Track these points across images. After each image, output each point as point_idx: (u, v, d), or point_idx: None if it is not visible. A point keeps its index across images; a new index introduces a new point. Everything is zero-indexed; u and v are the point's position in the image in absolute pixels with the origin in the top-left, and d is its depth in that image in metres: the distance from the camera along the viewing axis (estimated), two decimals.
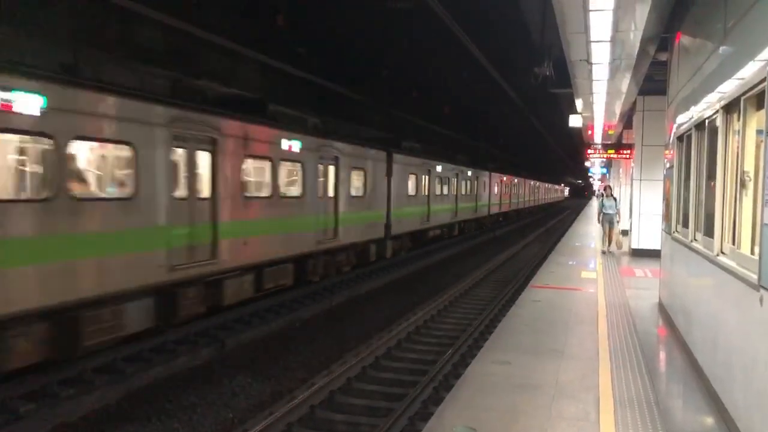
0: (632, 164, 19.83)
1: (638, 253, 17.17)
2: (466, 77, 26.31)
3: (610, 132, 23.35)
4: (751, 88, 4.74)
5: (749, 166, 4.97)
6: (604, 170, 43.75)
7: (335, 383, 8.39)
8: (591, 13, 8.00)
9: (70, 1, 11.60)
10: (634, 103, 17.12)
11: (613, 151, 22.73)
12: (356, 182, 16.93)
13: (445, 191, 26.15)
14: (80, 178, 8.50)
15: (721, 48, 6.09)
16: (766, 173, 4.17)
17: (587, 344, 7.85)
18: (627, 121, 21.08)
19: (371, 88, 23.71)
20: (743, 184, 5.09)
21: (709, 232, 6.36)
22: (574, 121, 20.38)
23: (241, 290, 11.70)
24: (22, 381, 7.68)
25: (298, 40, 18.64)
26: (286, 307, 13.02)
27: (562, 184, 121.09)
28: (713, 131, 6.29)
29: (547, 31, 14.37)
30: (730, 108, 5.59)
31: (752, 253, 4.78)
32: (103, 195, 8.85)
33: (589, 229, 30.28)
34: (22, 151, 7.79)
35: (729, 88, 5.50)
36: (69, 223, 7.98)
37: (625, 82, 12.99)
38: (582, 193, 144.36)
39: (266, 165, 12.53)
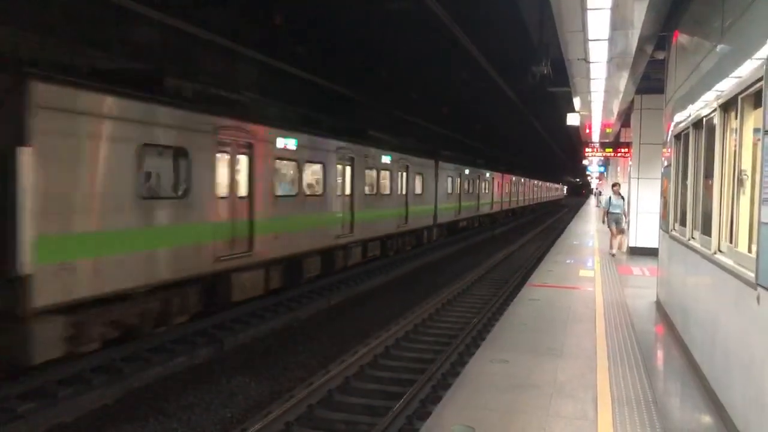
0: (630, 163, 19.84)
1: (636, 252, 17.19)
2: (464, 77, 26.29)
3: (607, 130, 23.33)
4: (749, 87, 4.75)
5: (746, 164, 4.98)
6: (602, 169, 43.79)
7: (334, 382, 8.39)
8: (588, 12, 7.99)
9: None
10: (632, 101, 17.11)
11: (610, 150, 22.73)
12: (418, 184, 22.98)
13: (471, 190, 32.23)
14: (306, 184, 14.52)
15: (718, 46, 6.09)
16: (764, 172, 4.18)
17: (585, 343, 7.86)
18: (625, 119, 21.09)
19: (370, 87, 23.70)
20: (741, 183, 5.10)
21: (706, 230, 6.37)
22: (572, 119, 20.38)
23: (356, 256, 17.65)
24: (20, 380, 7.67)
25: (296, 39, 18.65)
26: (285, 307, 13.02)
27: (562, 184, 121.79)
28: (711, 130, 6.30)
29: (544, 30, 14.37)
30: (728, 106, 5.59)
31: (749, 251, 4.79)
32: (313, 193, 14.85)
33: (587, 227, 30.31)
34: (289, 169, 13.81)
35: (726, 86, 5.50)
36: (303, 209, 14.27)
37: (622, 81, 12.99)
38: (580, 192, 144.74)
39: (375, 173, 18.75)
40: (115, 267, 8.75)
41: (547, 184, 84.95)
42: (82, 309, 8.34)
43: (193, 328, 10.63)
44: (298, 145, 13.75)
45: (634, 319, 9.35)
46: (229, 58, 15.71)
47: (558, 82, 15.31)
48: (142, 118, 9.24)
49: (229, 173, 11.39)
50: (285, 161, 13.48)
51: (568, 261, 16.15)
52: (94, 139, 8.48)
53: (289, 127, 13.86)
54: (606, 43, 9.60)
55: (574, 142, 41.97)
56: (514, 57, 22.00)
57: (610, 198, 17.71)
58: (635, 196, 17.41)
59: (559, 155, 71.03)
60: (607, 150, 23.11)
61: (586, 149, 25.22)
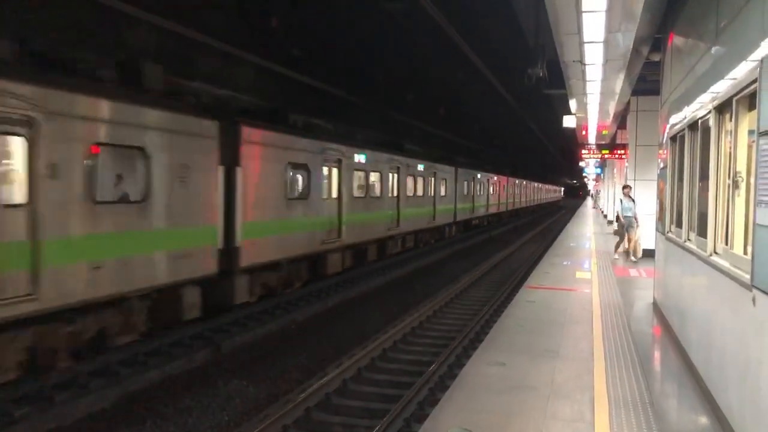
0: (626, 164, 19.87)
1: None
2: (461, 79, 26.33)
3: (604, 132, 23.38)
4: (743, 89, 4.76)
5: (741, 166, 4.99)
6: (599, 170, 43.82)
7: (331, 385, 8.38)
8: (584, 15, 8.00)
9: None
10: (628, 103, 17.15)
11: (607, 152, 22.77)
12: (442, 187, 27.13)
13: (482, 193, 36.28)
14: (370, 187, 18.62)
15: (713, 48, 6.11)
16: (759, 174, 4.19)
17: (582, 345, 7.87)
18: (621, 121, 21.14)
19: (366, 89, 23.72)
20: (736, 185, 5.11)
21: (702, 232, 6.38)
22: (568, 121, 20.41)
23: (398, 246, 22.08)
24: (17, 385, 7.65)
25: (292, 41, 18.65)
26: (282, 309, 13.01)
27: (560, 186, 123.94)
28: (706, 131, 6.32)
29: (540, 33, 14.40)
30: (723, 108, 5.61)
31: (745, 253, 4.80)
32: (374, 195, 18.94)
33: (584, 230, 30.36)
34: (361, 177, 17.96)
35: (721, 88, 5.52)
36: (369, 208, 18.48)
37: (618, 83, 13.01)
38: (577, 193, 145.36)
39: (412, 179, 22.75)
40: (272, 245, 12.95)
41: (547, 186, 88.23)
42: (251, 272, 12.36)
43: (190, 331, 10.62)
44: (366, 159, 18.13)
45: (631, 320, 9.36)
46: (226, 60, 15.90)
47: (554, 85, 15.33)
48: (288, 146, 13.61)
49: (328, 181, 15.79)
50: (359, 171, 17.81)
51: (565, 263, 16.17)
52: (267, 161, 12.76)
53: (359, 144, 18.34)
54: (601, 46, 9.61)
55: (571, 144, 42.05)
56: (511, 59, 22.06)
57: (621, 201, 16.95)
58: None
59: (556, 158, 71.19)
60: (603, 152, 23.14)
61: (583, 151, 25.24)
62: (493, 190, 40.15)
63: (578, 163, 51.41)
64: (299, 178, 14.31)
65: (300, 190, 14.30)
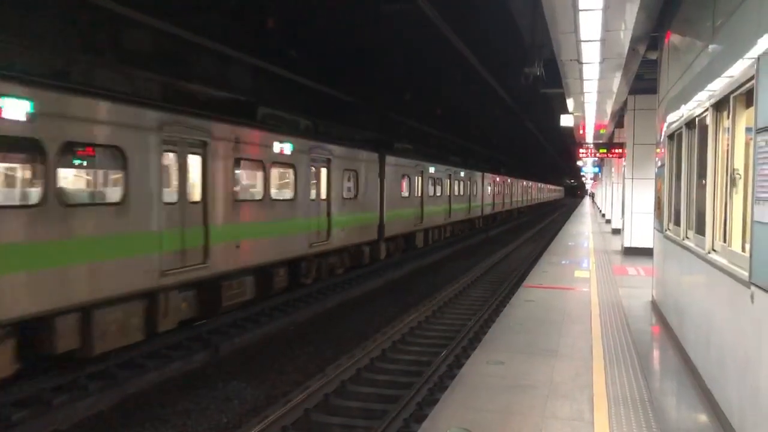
0: (624, 163, 19.88)
1: (631, 252, 17.22)
2: (458, 78, 26.32)
3: (601, 131, 23.37)
4: (740, 86, 4.76)
5: (739, 163, 4.99)
6: (597, 170, 43.84)
7: (330, 386, 8.37)
8: (580, 13, 8.00)
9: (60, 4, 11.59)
10: (625, 102, 17.17)
11: (604, 151, 22.74)
12: (474, 188, 32.09)
13: (500, 192, 41.19)
14: (434, 190, 25.10)
15: (710, 46, 6.11)
16: (756, 171, 4.19)
17: (581, 343, 7.86)
18: (618, 120, 21.14)
19: (363, 90, 23.71)
20: (733, 182, 5.11)
21: (700, 229, 6.38)
22: (566, 120, 20.41)
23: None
24: (15, 388, 7.63)
25: (289, 42, 18.65)
26: (280, 311, 12.99)
27: (560, 186, 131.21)
28: (703, 129, 6.31)
29: (537, 31, 14.40)
30: (720, 106, 5.61)
31: (743, 250, 4.80)
32: (435, 195, 25.12)
33: (582, 228, 30.36)
34: (435, 182, 25.55)
35: (718, 86, 5.52)
36: (437, 203, 25.84)
37: (615, 82, 13.01)
38: (575, 193, 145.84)
39: (441, 181, 26.28)
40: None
41: (552, 186, 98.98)
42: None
43: (188, 333, 10.60)
44: (433, 169, 24.34)
45: (630, 319, 9.36)
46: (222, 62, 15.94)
47: (551, 84, 15.33)
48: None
49: (409, 185, 21.42)
50: (432, 178, 23.98)
51: (563, 262, 16.17)
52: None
53: (433, 159, 24.74)
54: (598, 44, 9.61)
55: (568, 143, 42.04)
56: (507, 58, 22.10)
57: None
58: (629, 196, 17.46)
59: (557, 159, 71.43)
60: (601, 151, 23.10)
61: (580, 150, 25.23)
62: (511, 190, 43.48)
63: (576, 163, 51.46)
64: (403, 181, 21.26)
65: (403, 191, 21.16)
